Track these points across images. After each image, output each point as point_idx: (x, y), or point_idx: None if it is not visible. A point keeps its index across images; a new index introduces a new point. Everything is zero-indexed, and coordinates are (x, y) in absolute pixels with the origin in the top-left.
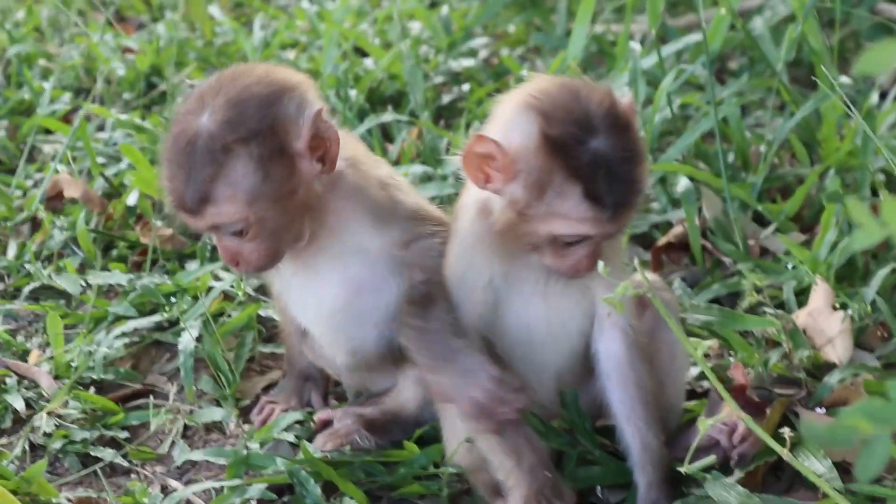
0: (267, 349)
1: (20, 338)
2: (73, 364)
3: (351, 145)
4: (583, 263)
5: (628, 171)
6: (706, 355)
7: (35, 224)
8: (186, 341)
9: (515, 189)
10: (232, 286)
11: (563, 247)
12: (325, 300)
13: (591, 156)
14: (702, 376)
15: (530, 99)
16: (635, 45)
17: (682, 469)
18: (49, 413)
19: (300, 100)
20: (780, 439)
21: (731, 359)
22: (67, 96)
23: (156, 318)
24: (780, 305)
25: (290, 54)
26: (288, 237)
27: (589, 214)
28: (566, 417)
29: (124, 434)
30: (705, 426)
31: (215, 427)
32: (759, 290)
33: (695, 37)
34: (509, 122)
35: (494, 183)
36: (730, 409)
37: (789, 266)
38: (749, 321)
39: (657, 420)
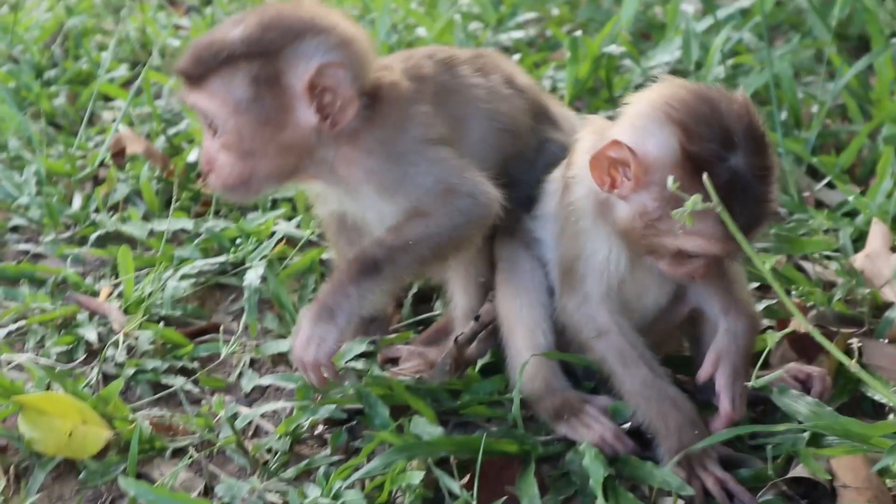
0: None
1: (88, 279)
2: (144, 302)
3: None
4: (699, 272)
5: (764, 190)
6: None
7: (97, 181)
8: (251, 279)
9: (645, 199)
10: (296, 228)
11: (684, 257)
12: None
13: (730, 174)
14: (762, 313)
15: (668, 108)
16: (687, 7)
17: (750, 383)
18: (121, 343)
19: (323, 45)
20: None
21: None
22: (124, 67)
23: (221, 259)
24: (836, 251)
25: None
26: (263, 168)
27: (722, 234)
28: None
29: (194, 365)
30: (773, 339)
31: (281, 359)
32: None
33: (744, 2)
34: (644, 129)
35: (621, 189)
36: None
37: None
38: (809, 244)
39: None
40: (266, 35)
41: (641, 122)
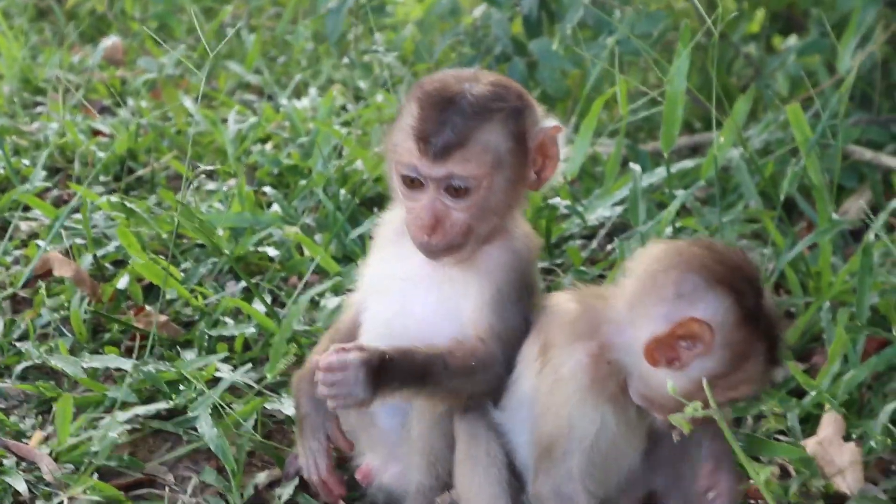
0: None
1: (13, 417)
2: (79, 449)
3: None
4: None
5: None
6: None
7: (15, 301)
8: (209, 432)
9: (707, 364)
10: (238, 378)
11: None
12: (409, 318)
13: (772, 320)
14: None
15: (708, 272)
16: (636, 167)
17: None
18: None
19: (539, 111)
20: None
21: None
22: (43, 174)
23: (160, 405)
24: (783, 432)
25: (265, 148)
26: (486, 226)
27: (764, 373)
28: None
29: None
30: None
31: None
32: (779, 415)
33: (687, 162)
34: (694, 296)
35: (681, 362)
36: None
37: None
38: (777, 449)
39: None
40: (506, 93)
41: (690, 287)
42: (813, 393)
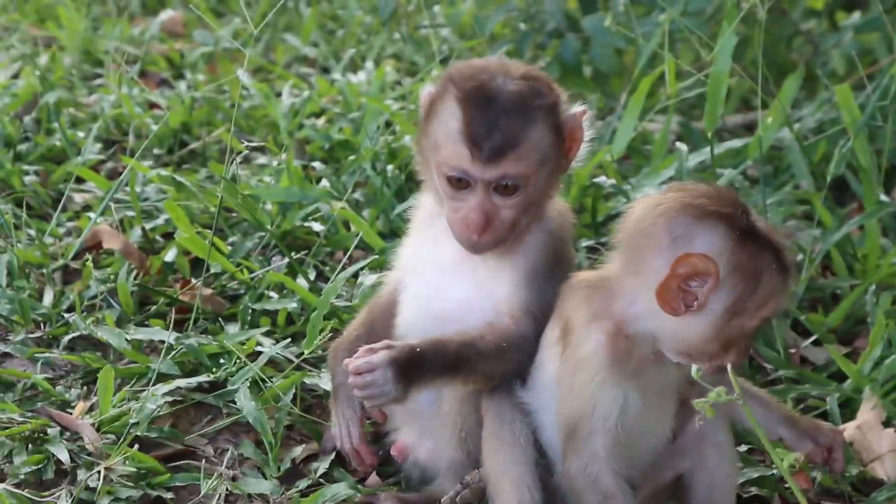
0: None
1: (59, 388)
2: (121, 420)
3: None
4: (741, 357)
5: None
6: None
7: (67, 272)
8: (247, 405)
9: (724, 294)
10: (278, 353)
11: (743, 340)
12: (445, 298)
13: (769, 230)
14: (749, 482)
15: (693, 208)
16: (682, 146)
17: None
18: (101, 474)
19: (564, 99)
20: None
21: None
22: (97, 146)
23: (200, 378)
24: (823, 416)
25: (318, 123)
26: (530, 218)
27: (788, 286)
28: None
29: (169, 495)
30: None
31: (259, 495)
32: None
33: (736, 141)
34: (688, 235)
35: (699, 301)
36: None
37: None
38: None
39: None
40: (539, 87)
41: (679, 228)
42: (853, 377)
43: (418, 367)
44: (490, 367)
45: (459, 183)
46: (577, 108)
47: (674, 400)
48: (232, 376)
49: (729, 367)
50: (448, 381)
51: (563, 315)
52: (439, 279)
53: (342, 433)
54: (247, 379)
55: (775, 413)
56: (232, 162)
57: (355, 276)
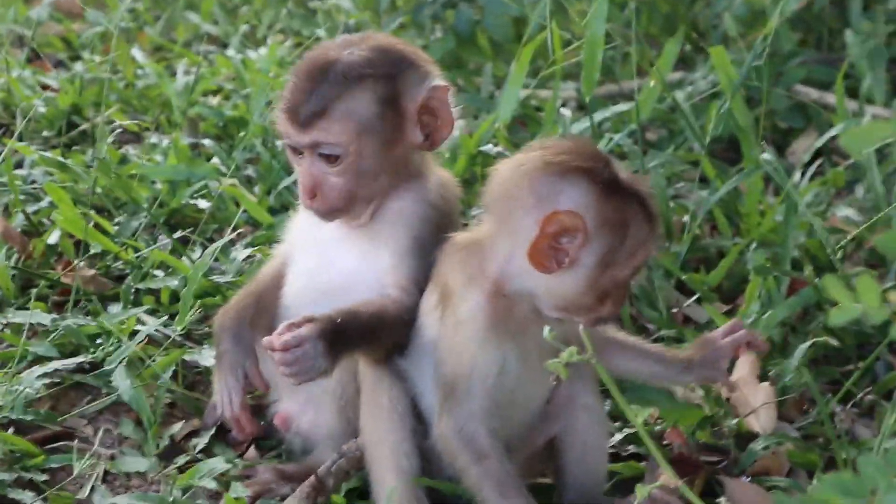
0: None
1: None
2: None
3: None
4: (618, 307)
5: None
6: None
7: None
8: (123, 383)
9: (595, 248)
10: (157, 330)
11: (617, 291)
12: (331, 271)
13: (631, 180)
14: (627, 440)
15: (553, 164)
16: (566, 112)
17: None
18: None
19: (426, 72)
20: None
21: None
22: None
23: (78, 359)
24: None
25: (214, 101)
26: (367, 189)
27: (655, 232)
28: None
29: (44, 477)
30: (643, 493)
31: (137, 473)
32: None
33: (622, 106)
34: (553, 192)
35: (570, 257)
36: (667, 477)
37: None
38: (690, 415)
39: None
40: (385, 58)
41: (544, 187)
42: None
43: (341, 338)
44: (393, 338)
45: (293, 150)
46: (434, 84)
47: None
48: (110, 356)
49: (580, 327)
50: (363, 352)
51: (440, 279)
52: (325, 252)
53: (224, 400)
54: (123, 357)
55: (652, 356)
56: (108, 139)
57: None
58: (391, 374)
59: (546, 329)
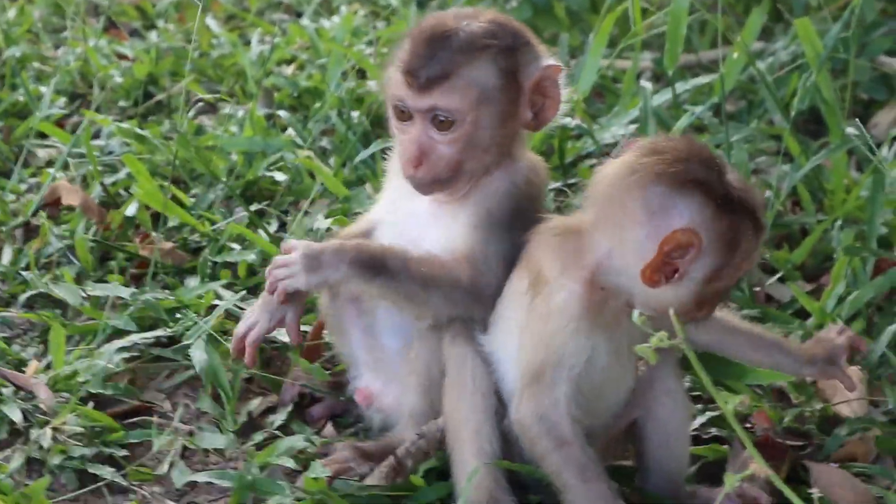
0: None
1: (15, 346)
2: (74, 378)
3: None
4: (713, 310)
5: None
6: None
7: (29, 229)
8: (200, 359)
9: (705, 263)
10: (234, 305)
11: (718, 297)
12: (418, 242)
13: (744, 193)
14: (710, 423)
15: (672, 175)
16: (646, 84)
17: None
18: (48, 434)
19: (540, 50)
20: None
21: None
22: (62, 101)
23: (157, 333)
24: None
25: (288, 70)
26: (474, 162)
27: (760, 240)
28: None
29: (123, 452)
30: (731, 482)
31: (215, 449)
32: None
33: (704, 78)
34: (666, 207)
35: (680, 272)
36: (756, 465)
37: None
38: (766, 375)
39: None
40: (504, 30)
41: (658, 199)
42: (815, 314)
43: (333, 257)
44: (447, 300)
45: (402, 115)
46: (548, 63)
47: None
48: (189, 330)
49: (671, 312)
50: (368, 283)
51: (532, 264)
52: (408, 228)
53: (244, 326)
54: (203, 332)
55: (775, 347)
56: (188, 111)
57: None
58: (475, 356)
59: (636, 313)
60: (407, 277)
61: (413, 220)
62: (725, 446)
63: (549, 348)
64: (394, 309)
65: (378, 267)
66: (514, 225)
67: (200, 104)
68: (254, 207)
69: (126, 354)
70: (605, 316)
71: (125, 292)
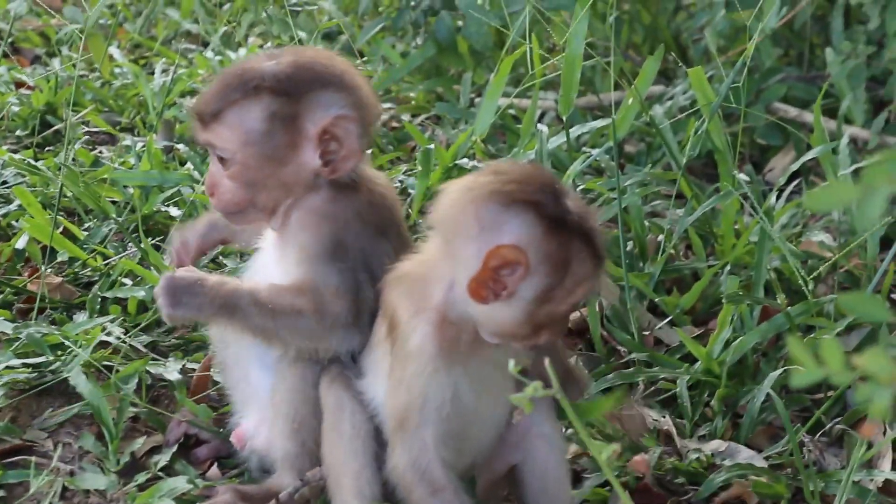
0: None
1: None
2: None
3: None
4: (555, 336)
5: (597, 222)
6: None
7: None
8: (84, 387)
9: (534, 282)
10: (119, 338)
11: (554, 323)
12: (257, 274)
13: (580, 217)
14: (578, 457)
15: (501, 194)
16: (543, 128)
17: None
18: None
19: (344, 99)
20: None
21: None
22: None
23: (38, 362)
24: (674, 398)
25: (191, 102)
26: (261, 200)
27: (597, 270)
28: None
29: (0, 493)
30: None
31: (96, 490)
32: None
33: (599, 122)
34: (496, 223)
35: (508, 290)
36: None
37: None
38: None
39: None
40: (296, 76)
41: (489, 216)
42: (702, 360)
43: (188, 293)
44: (269, 324)
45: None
46: (339, 112)
47: (508, 387)
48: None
49: (546, 361)
50: (225, 319)
51: (387, 310)
52: (265, 261)
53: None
54: (81, 363)
55: None
56: (73, 145)
57: (213, 259)
58: (353, 399)
59: (511, 363)
60: (257, 312)
61: (265, 251)
62: (607, 489)
63: (410, 392)
64: (257, 342)
65: (232, 307)
66: (334, 259)
67: (100, 134)
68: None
69: (6, 389)
70: (460, 350)
71: (8, 327)
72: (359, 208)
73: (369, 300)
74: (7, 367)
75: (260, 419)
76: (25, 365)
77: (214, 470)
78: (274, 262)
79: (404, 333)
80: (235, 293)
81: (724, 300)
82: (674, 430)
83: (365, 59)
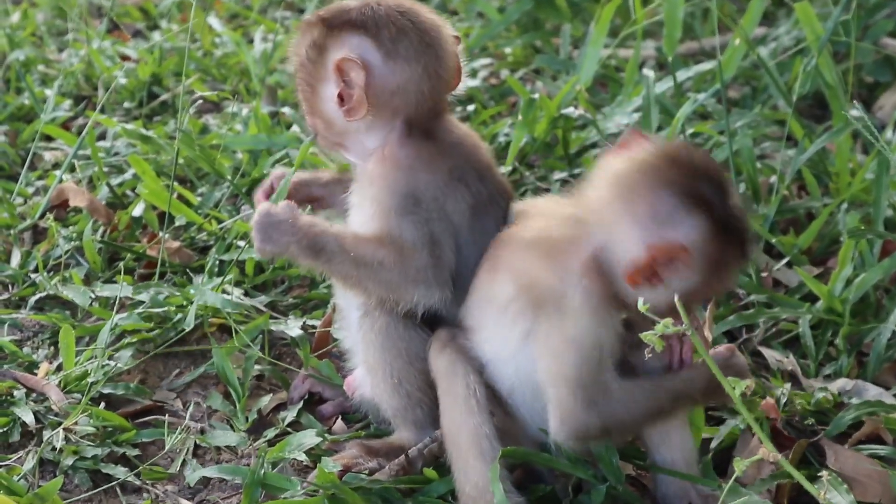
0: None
1: (26, 349)
2: (85, 379)
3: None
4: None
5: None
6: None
7: (37, 232)
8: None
9: (686, 278)
10: (241, 300)
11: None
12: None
13: (741, 220)
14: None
15: (684, 185)
16: (649, 72)
17: None
18: (60, 435)
19: (369, 45)
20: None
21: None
22: (67, 103)
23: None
24: (796, 338)
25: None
26: (319, 125)
27: (740, 268)
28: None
29: (135, 452)
30: (741, 467)
31: (227, 447)
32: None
33: (704, 65)
34: (670, 218)
35: (662, 279)
36: (764, 450)
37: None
38: None
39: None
40: (351, 15)
41: (664, 209)
42: (823, 298)
43: (279, 229)
44: (363, 279)
45: None
46: (346, 53)
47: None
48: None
49: (676, 297)
50: (310, 259)
51: (518, 274)
52: (351, 213)
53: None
54: (210, 327)
55: None
56: (187, 112)
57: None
58: (465, 362)
59: (640, 301)
60: (342, 259)
61: (352, 210)
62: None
63: (582, 348)
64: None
65: (318, 249)
66: (415, 207)
67: (205, 103)
68: None
69: (134, 350)
70: (613, 293)
71: (132, 291)
72: (427, 157)
73: (449, 254)
74: (133, 331)
75: (364, 372)
76: (151, 329)
77: (340, 424)
78: (356, 218)
79: (557, 296)
80: (323, 236)
81: (843, 237)
82: (798, 371)
83: (461, 16)
